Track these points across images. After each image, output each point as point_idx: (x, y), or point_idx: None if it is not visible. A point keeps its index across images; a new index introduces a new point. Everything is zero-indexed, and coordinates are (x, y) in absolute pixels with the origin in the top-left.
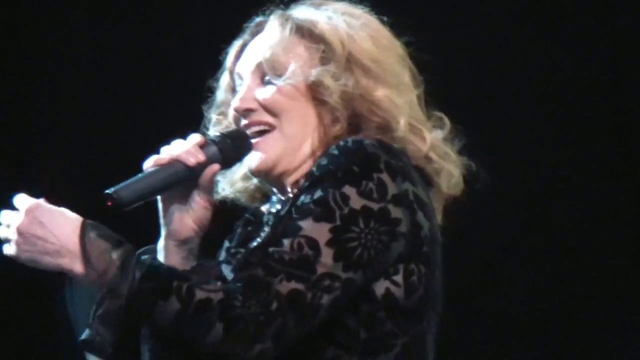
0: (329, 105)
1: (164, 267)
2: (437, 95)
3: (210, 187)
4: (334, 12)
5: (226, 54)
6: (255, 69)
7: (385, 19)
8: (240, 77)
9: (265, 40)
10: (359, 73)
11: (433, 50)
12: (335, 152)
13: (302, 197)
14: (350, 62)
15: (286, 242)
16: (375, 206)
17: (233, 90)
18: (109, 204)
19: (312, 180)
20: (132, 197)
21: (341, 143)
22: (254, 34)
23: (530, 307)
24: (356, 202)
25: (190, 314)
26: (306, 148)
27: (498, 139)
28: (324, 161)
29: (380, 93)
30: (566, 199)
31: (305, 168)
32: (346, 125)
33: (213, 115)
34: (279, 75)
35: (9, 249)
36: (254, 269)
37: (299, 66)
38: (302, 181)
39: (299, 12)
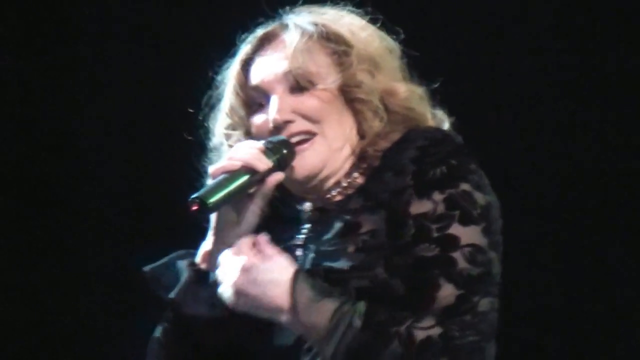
0: (364, 103)
1: (379, 312)
2: None
3: (269, 195)
4: (339, 16)
5: (221, 68)
6: (282, 80)
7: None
8: (262, 90)
9: (287, 49)
10: (379, 70)
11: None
12: (425, 142)
13: (417, 196)
14: (370, 61)
15: (459, 256)
16: (490, 198)
17: (247, 104)
18: (195, 208)
19: (422, 180)
20: (216, 202)
21: (424, 133)
22: (260, 47)
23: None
24: (479, 198)
25: (412, 357)
26: (346, 149)
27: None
28: (414, 152)
29: (403, 88)
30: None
31: (346, 168)
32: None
33: (221, 129)
34: (310, 82)
35: (226, 295)
36: (444, 289)
37: (326, 70)
38: (349, 178)
39: (309, 18)
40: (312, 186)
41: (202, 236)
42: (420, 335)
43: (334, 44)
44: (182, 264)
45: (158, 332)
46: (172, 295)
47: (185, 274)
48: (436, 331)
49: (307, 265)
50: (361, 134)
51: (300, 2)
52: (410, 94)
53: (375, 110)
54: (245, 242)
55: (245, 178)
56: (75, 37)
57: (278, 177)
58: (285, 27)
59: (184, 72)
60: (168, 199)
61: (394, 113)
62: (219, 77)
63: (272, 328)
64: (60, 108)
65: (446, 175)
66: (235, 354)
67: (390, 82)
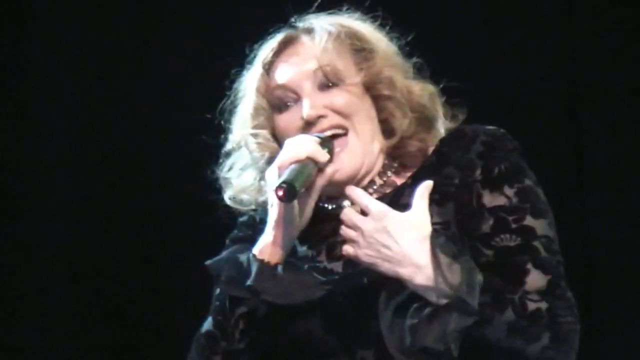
0: (392, 100)
1: (493, 278)
2: None
3: (323, 188)
4: (351, 18)
5: (237, 72)
6: (311, 78)
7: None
8: (289, 89)
9: (314, 48)
10: (397, 68)
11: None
12: (488, 138)
13: (488, 190)
14: (391, 60)
15: (539, 245)
16: (541, 191)
17: (271, 105)
18: (281, 193)
19: (491, 174)
20: (300, 188)
21: (484, 130)
22: (281, 51)
23: None
24: (540, 193)
25: (524, 325)
26: (376, 146)
27: None
28: (479, 147)
29: (417, 87)
30: None
31: (378, 166)
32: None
33: (245, 130)
34: (339, 79)
35: (351, 250)
36: (533, 274)
37: (352, 68)
38: (383, 177)
39: (329, 21)
40: (352, 182)
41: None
42: (531, 306)
43: (356, 41)
44: (245, 257)
45: (209, 325)
46: (249, 282)
47: (255, 265)
48: (544, 305)
49: None
50: (387, 132)
51: (310, 9)
52: (423, 92)
53: (403, 108)
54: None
55: (311, 168)
56: (27, 38)
57: (335, 168)
58: (305, 30)
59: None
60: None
61: (413, 111)
62: (236, 84)
63: (345, 318)
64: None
65: (511, 171)
66: (306, 343)
67: (406, 81)
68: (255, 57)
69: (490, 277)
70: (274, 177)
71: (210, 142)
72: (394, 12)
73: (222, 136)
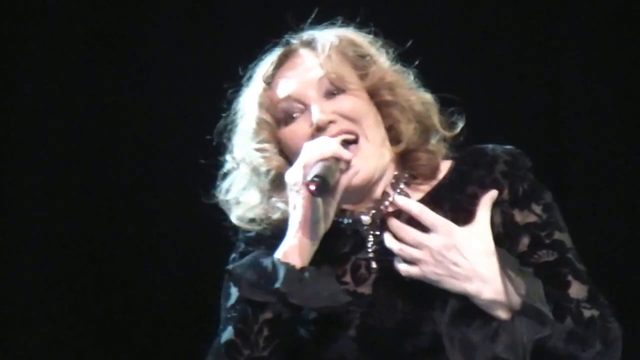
0: (396, 106)
1: (551, 290)
2: None
3: (346, 189)
4: (347, 30)
5: (233, 92)
6: (317, 86)
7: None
8: (295, 99)
9: (316, 58)
10: (396, 76)
11: None
12: (509, 158)
13: (517, 209)
14: (388, 67)
15: (572, 256)
16: (555, 203)
17: (275, 118)
18: (313, 188)
19: (517, 193)
20: (330, 183)
21: (503, 149)
22: (280, 64)
23: None
24: (557, 207)
25: (580, 332)
26: (386, 153)
27: None
28: (503, 167)
29: (414, 97)
30: None
31: (389, 177)
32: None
33: (250, 144)
34: (345, 85)
35: (412, 269)
36: (574, 286)
37: (356, 76)
38: (396, 189)
39: (329, 32)
40: (365, 193)
41: None
42: (586, 313)
43: (357, 49)
44: (269, 262)
45: (229, 334)
46: (277, 285)
47: (282, 268)
48: (596, 312)
49: (409, 278)
50: (393, 140)
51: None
52: (421, 101)
53: (406, 114)
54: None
55: (336, 167)
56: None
57: (357, 177)
58: (304, 43)
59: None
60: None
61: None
62: (235, 104)
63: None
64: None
65: (534, 188)
66: (331, 344)
67: (405, 89)
68: (251, 76)
69: (547, 287)
70: (297, 176)
71: (206, 164)
72: (382, 24)
73: (219, 157)
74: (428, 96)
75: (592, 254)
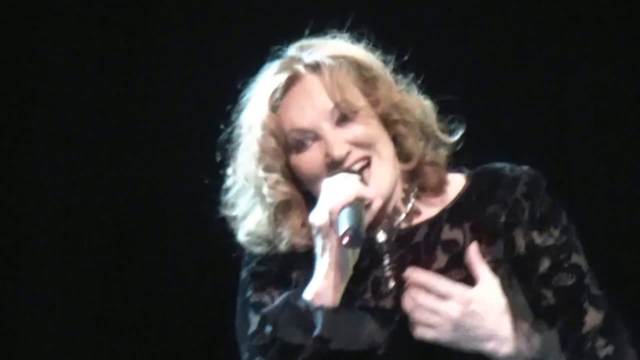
0: (405, 124)
1: (566, 334)
2: None
3: (368, 223)
4: (345, 45)
5: (233, 111)
6: (328, 116)
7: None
8: (308, 131)
9: (324, 86)
10: (400, 90)
11: None
12: (529, 179)
13: (537, 231)
14: (392, 82)
15: (588, 281)
16: (571, 224)
17: (284, 145)
18: (347, 240)
19: (536, 215)
20: (363, 235)
21: (522, 170)
22: (286, 89)
23: None
24: (573, 229)
25: None
26: (397, 169)
27: None
28: (524, 189)
29: (411, 102)
30: None
31: (399, 193)
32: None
33: (254, 172)
34: (354, 112)
35: (428, 332)
36: (591, 313)
37: (362, 98)
38: (407, 204)
39: (326, 52)
40: (381, 211)
41: None
42: (601, 353)
43: (361, 72)
44: (303, 303)
45: None
46: (317, 332)
47: (319, 313)
48: (611, 349)
49: None
50: (401, 156)
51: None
52: (423, 108)
53: (415, 130)
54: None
55: (362, 208)
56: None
57: (380, 203)
58: (309, 66)
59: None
60: None
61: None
62: (237, 120)
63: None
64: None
65: (552, 211)
66: None
67: (408, 100)
68: (253, 91)
69: (561, 331)
70: (323, 220)
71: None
72: (380, 28)
73: (221, 171)
74: (427, 102)
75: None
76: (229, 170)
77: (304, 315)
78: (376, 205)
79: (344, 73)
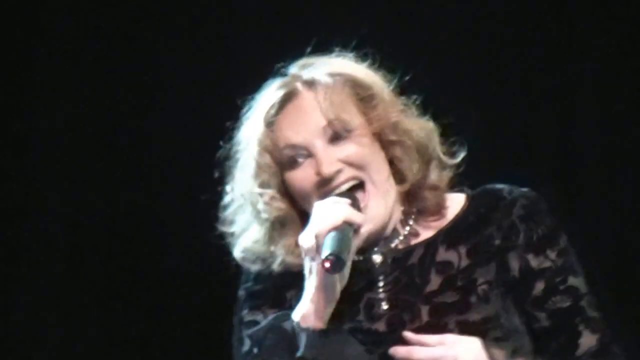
0: (400, 145)
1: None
2: None
3: (357, 247)
4: (345, 63)
5: (233, 127)
6: (321, 134)
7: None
8: (301, 147)
9: (318, 103)
10: (399, 110)
11: None
12: (527, 202)
13: (533, 254)
14: (391, 102)
15: (585, 304)
16: (571, 247)
17: (278, 162)
18: (329, 265)
19: (532, 238)
20: (345, 261)
21: (521, 192)
22: (282, 106)
23: None
24: (572, 251)
25: None
26: (393, 193)
27: None
28: (521, 211)
29: (415, 126)
30: None
31: (397, 215)
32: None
33: (250, 188)
34: (348, 131)
35: None
36: (585, 336)
37: (358, 117)
38: (405, 226)
39: (324, 70)
40: (376, 237)
41: None
42: None
43: (359, 90)
44: (290, 325)
45: None
46: (300, 353)
47: (303, 334)
48: None
49: (426, 318)
50: (397, 177)
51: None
52: (423, 130)
53: (411, 153)
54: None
55: (350, 233)
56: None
57: (369, 228)
58: (305, 83)
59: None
60: None
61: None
62: (236, 137)
63: None
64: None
65: (549, 234)
66: None
67: (407, 121)
68: (252, 108)
69: (555, 350)
70: (310, 242)
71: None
72: (384, 47)
73: (220, 188)
74: (429, 124)
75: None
76: (227, 187)
77: (290, 337)
78: (366, 229)
79: (340, 91)
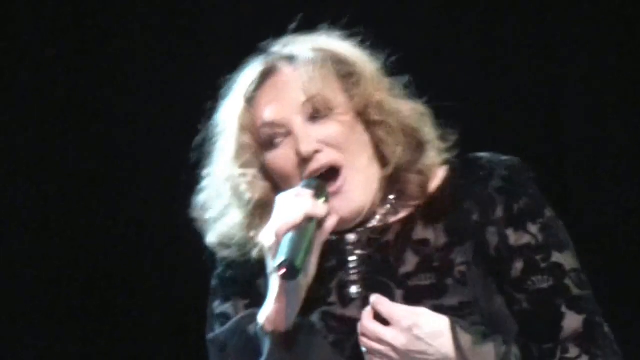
0: (384, 126)
1: (531, 349)
2: None
3: (323, 241)
4: (331, 38)
5: (212, 109)
6: (300, 111)
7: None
8: (279, 125)
9: (299, 79)
10: (384, 90)
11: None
12: (505, 172)
13: (512, 228)
14: (377, 81)
15: (569, 282)
16: (559, 220)
17: (258, 141)
18: (283, 272)
19: (512, 211)
20: (303, 262)
21: (501, 161)
22: (262, 83)
23: None
24: (559, 223)
25: None
26: (375, 177)
27: None
28: (499, 182)
29: (405, 107)
30: None
31: (378, 196)
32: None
33: (231, 169)
34: (329, 108)
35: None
36: (569, 318)
37: (341, 95)
38: (384, 205)
39: (308, 45)
40: (355, 213)
41: None
42: None
43: (342, 66)
44: (253, 329)
45: None
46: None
47: (267, 338)
48: (584, 359)
49: (400, 303)
50: (382, 159)
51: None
52: (412, 113)
53: (395, 134)
54: (367, 313)
55: (311, 229)
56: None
57: (334, 220)
58: (286, 59)
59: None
60: None
61: (404, 135)
62: (214, 118)
63: None
64: None
65: (532, 206)
66: None
67: (394, 102)
68: (231, 88)
69: (526, 346)
70: (270, 241)
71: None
72: (373, 26)
73: (198, 172)
74: (421, 107)
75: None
76: (205, 171)
77: (253, 341)
78: (331, 222)
79: (323, 67)
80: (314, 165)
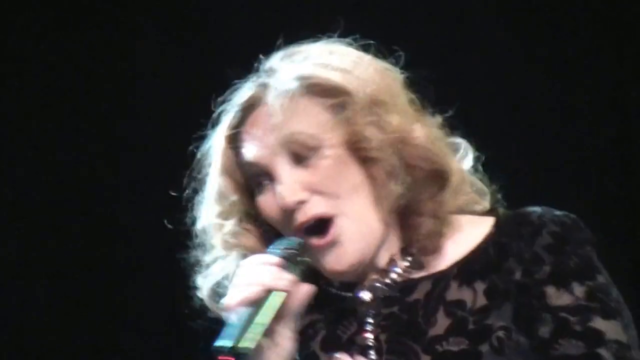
0: (375, 162)
1: None
2: None
3: (299, 312)
4: (327, 52)
5: (201, 141)
6: (281, 152)
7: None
8: (260, 167)
9: (277, 115)
10: (386, 113)
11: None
12: (556, 228)
13: (554, 286)
14: (374, 105)
15: (606, 353)
16: (615, 289)
17: (241, 185)
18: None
19: (559, 270)
20: (252, 345)
21: (552, 216)
22: (245, 116)
23: None
24: (613, 291)
25: None
26: (376, 222)
27: None
28: (548, 239)
29: (418, 132)
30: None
31: (394, 240)
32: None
33: (210, 218)
34: (312, 148)
35: None
36: None
37: (327, 129)
38: (406, 256)
39: (293, 71)
40: (357, 274)
41: None
42: None
43: (328, 96)
44: None
45: None
46: None
47: None
48: None
49: None
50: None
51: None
52: (426, 138)
53: (391, 170)
54: None
55: (274, 300)
56: None
57: (306, 290)
58: (270, 87)
59: None
60: None
61: (414, 167)
62: (201, 153)
63: None
64: None
65: (582, 266)
66: None
67: (402, 127)
68: (219, 115)
69: None
70: (224, 317)
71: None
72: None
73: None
74: (435, 131)
75: None
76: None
77: None
78: (303, 293)
79: (306, 97)
80: (301, 217)
